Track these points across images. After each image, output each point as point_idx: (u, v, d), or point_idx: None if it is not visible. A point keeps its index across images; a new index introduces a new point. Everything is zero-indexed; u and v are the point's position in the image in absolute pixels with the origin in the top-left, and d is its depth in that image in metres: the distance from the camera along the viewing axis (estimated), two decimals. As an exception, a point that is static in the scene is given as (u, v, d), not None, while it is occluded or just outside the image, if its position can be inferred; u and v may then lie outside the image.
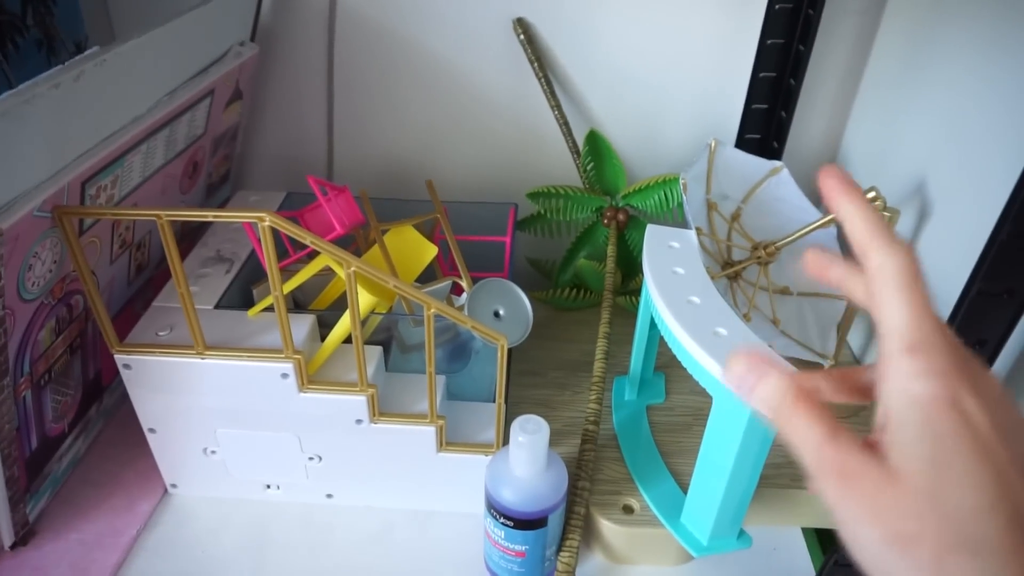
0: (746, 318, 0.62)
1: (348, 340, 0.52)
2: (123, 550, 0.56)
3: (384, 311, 0.57)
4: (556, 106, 0.72)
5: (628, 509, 0.56)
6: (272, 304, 0.48)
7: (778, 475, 0.58)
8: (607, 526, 0.55)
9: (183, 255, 0.61)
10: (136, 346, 0.52)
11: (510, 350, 0.61)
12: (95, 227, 0.52)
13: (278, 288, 0.47)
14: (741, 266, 0.64)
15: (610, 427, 0.63)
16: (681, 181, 0.59)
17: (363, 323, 0.55)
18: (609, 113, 0.76)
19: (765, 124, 0.72)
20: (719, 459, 0.48)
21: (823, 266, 0.30)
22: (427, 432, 0.54)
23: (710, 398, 0.47)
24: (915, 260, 0.26)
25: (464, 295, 0.62)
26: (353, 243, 0.66)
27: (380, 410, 0.54)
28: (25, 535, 0.56)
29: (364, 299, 0.53)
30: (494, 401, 0.59)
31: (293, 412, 0.54)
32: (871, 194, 0.56)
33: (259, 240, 0.45)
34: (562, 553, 0.52)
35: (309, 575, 0.56)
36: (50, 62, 0.66)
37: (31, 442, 0.53)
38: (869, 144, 0.72)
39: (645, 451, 0.60)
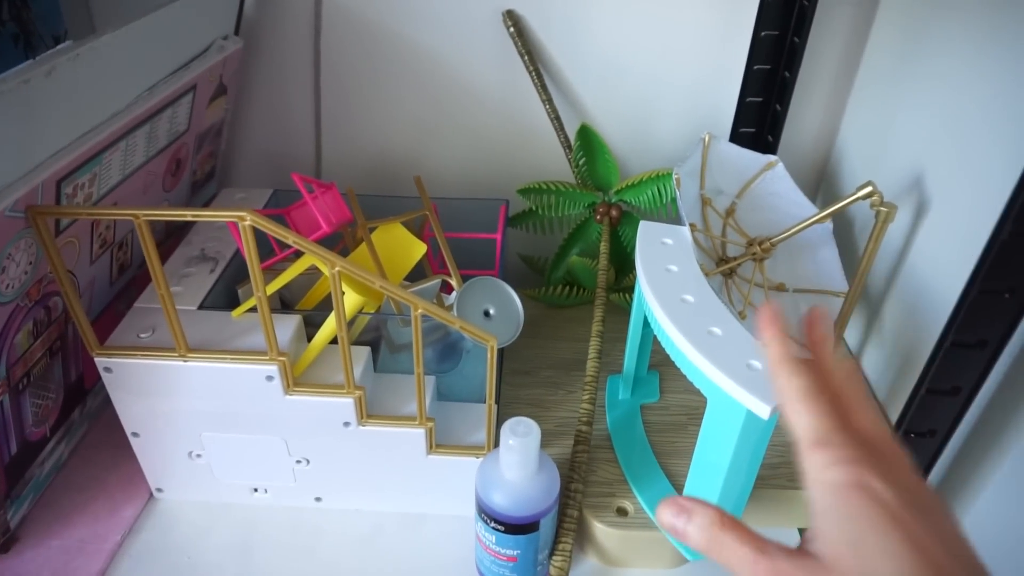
0: (741, 316, 0.61)
1: (336, 341, 0.51)
2: (107, 556, 0.55)
3: (372, 311, 0.56)
4: (547, 100, 0.71)
5: (622, 511, 0.55)
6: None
7: (775, 476, 0.57)
8: (601, 529, 0.54)
9: (167, 253, 0.60)
10: (117, 349, 0.50)
11: (501, 350, 0.60)
12: (73, 227, 0.50)
13: (261, 289, 0.46)
14: (736, 262, 0.63)
15: (604, 427, 0.62)
16: (674, 176, 0.58)
17: (350, 324, 0.54)
18: (601, 107, 0.75)
19: (759, 117, 0.71)
20: (714, 460, 0.47)
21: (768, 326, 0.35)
22: (417, 434, 0.53)
23: (705, 397, 0.46)
24: (815, 379, 0.31)
25: (454, 294, 0.61)
26: (341, 241, 0.64)
27: (368, 412, 0.53)
28: (7, 542, 0.55)
29: (351, 299, 0.52)
30: (485, 402, 0.58)
31: (279, 415, 0.53)
32: (867, 189, 0.55)
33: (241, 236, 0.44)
34: (555, 557, 0.51)
35: (297, 581, 0.55)
36: (27, 56, 0.64)
37: (10, 447, 0.52)
38: (865, 138, 0.71)
39: (639, 452, 0.59)
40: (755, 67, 0.68)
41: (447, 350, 0.59)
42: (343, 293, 0.47)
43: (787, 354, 0.33)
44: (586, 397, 0.58)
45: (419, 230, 0.65)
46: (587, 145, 0.70)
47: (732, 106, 0.71)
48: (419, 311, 0.46)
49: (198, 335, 0.51)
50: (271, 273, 0.56)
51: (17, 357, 0.50)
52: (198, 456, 0.56)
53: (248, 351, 0.50)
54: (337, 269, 0.45)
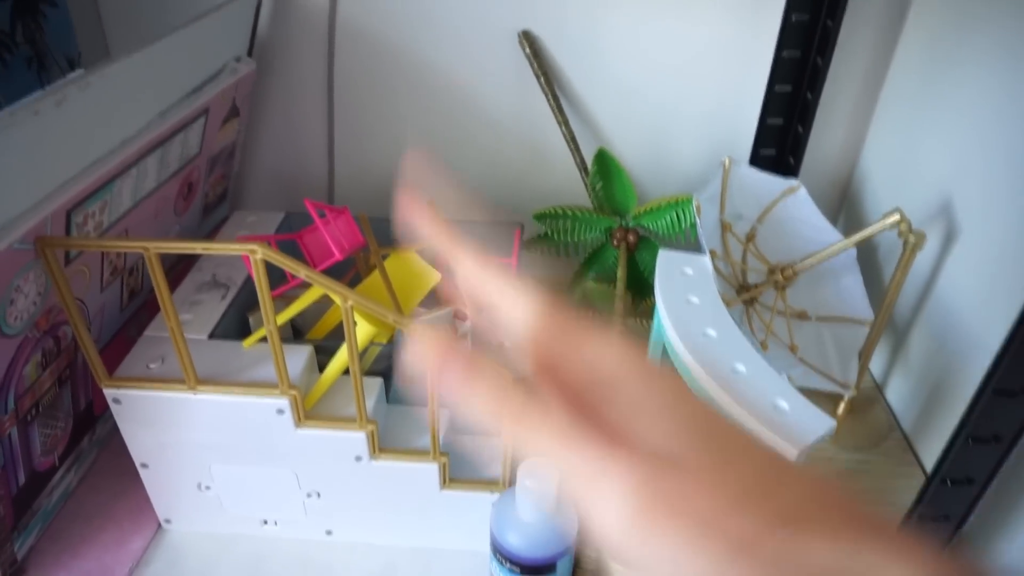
0: (763, 346, 0.59)
1: (348, 371, 0.50)
2: (114, 590, 0.54)
3: (385, 341, 0.55)
4: (563, 122, 0.70)
5: (641, 549, 0.53)
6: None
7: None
8: (620, 571, 0.52)
9: (178, 278, 0.59)
10: (126, 380, 0.49)
11: (516, 379, 0.59)
12: (83, 255, 0.49)
13: (272, 323, 0.45)
14: (757, 291, 0.61)
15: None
16: (695, 203, 0.56)
17: (362, 354, 0.53)
18: (618, 128, 0.73)
19: (780, 139, 0.70)
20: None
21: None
22: (430, 469, 0.52)
23: None
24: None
25: (468, 323, 0.60)
26: (353, 267, 0.63)
27: (380, 446, 0.52)
28: (14, 574, 0.54)
29: (364, 330, 0.51)
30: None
31: (290, 448, 0.51)
32: (895, 217, 0.54)
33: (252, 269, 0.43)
34: (572, 597, 0.50)
35: (307, 617, 0.53)
36: (40, 79, 0.64)
37: (18, 479, 0.51)
38: (889, 160, 0.70)
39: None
40: (776, 88, 0.66)
41: (461, 379, 0.58)
42: (355, 324, 0.46)
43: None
44: (604, 429, 0.57)
45: (432, 256, 0.64)
46: (604, 170, 0.69)
47: (751, 128, 0.70)
48: (434, 345, 0.45)
49: (208, 366, 0.50)
50: (283, 301, 0.55)
51: (25, 388, 0.49)
52: (207, 488, 0.55)
53: (259, 383, 0.49)
54: (350, 304, 0.43)
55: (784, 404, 0.43)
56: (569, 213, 0.69)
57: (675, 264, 0.54)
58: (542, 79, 0.68)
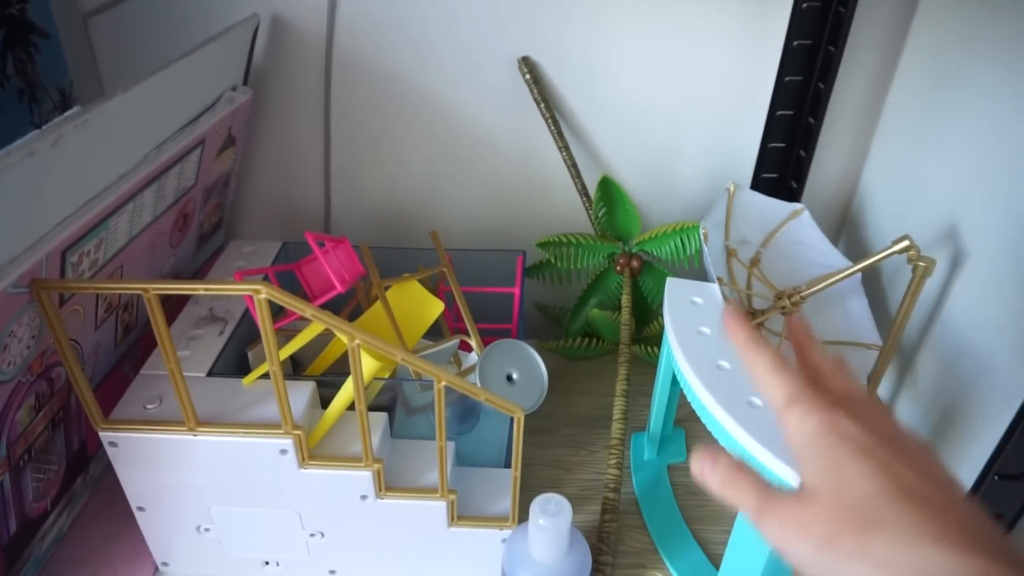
0: (772, 372, 0.58)
1: (350, 406, 0.49)
2: (110, 638, 0.52)
3: (388, 375, 0.54)
4: (564, 147, 0.69)
5: (654, 585, 0.52)
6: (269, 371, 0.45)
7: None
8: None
9: (174, 312, 0.58)
10: (122, 423, 0.48)
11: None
12: (77, 295, 0.48)
13: (276, 363, 0.43)
14: (765, 317, 0.60)
15: (629, 490, 0.59)
16: (701, 231, 0.56)
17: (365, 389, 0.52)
18: (619, 154, 0.73)
19: (782, 163, 0.69)
20: (757, 536, 0.44)
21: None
22: (438, 507, 0.51)
23: None
24: (775, 354, 0.33)
25: (473, 354, 0.59)
26: (354, 297, 0.62)
27: (387, 484, 0.50)
28: (4, 624, 0.52)
29: (368, 364, 0.50)
30: (505, 465, 0.55)
31: (293, 488, 0.50)
32: (904, 243, 0.53)
33: (256, 310, 0.42)
34: (586, 638, 0.49)
35: (312, 663, 0.52)
36: (32, 111, 0.62)
37: (9, 528, 0.49)
38: (891, 183, 0.70)
39: (669, 518, 0.57)
40: (778, 113, 0.66)
41: (466, 412, 0.57)
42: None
43: (754, 336, 0.35)
44: (612, 462, 0.56)
45: (435, 286, 0.63)
46: (608, 196, 0.69)
47: (753, 152, 0.69)
48: (443, 383, 0.44)
49: (208, 405, 0.49)
50: (283, 335, 0.54)
51: (18, 434, 0.47)
52: (206, 530, 0.53)
53: (261, 424, 0.48)
54: (357, 343, 0.42)
55: (802, 439, 0.42)
56: (572, 240, 0.68)
57: (683, 292, 0.53)
58: (542, 105, 0.68)
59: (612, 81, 0.69)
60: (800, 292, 0.60)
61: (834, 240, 0.77)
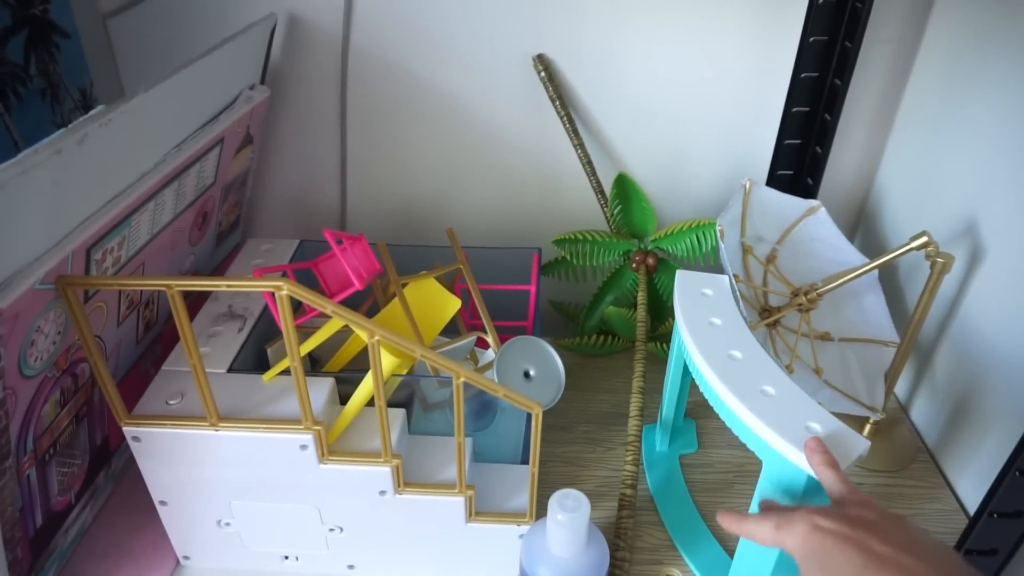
0: (788, 369, 0.58)
1: (369, 403, 0.49)
2: (133, 631, 0.53)
3: (406, 372, 0.54)
4: (579, 145, 0.69)
5: (671, 580, 0.53)
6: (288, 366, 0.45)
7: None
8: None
9: (194, 308, 0.58)
10: (145, 418, 0.49)
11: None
12: (101, 291, 0.49)
13: (297, 359, 0.44)
14: (781, 314, 0.60)
15: (644, 485, 0.60)
16: (718, 228, 0.56)
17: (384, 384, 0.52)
18: (634, 150, 0.73)
19: (798, 160, 0.69)
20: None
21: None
22: (456, 502, 0.51)
23: (750, 452, 0.44)
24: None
25: (489, 351, 0.59)
26: (371, 295, 0.63)
27: (405, 480, 0.51)
28: (29, 616, 0.53)
29: (387, 360, 0.50)
30: (521, 461, 0.56)
31: (312, 483, 0.51)
32: (923, 239, 0.53)
33: (277, 306, 0.42)
34: (603, 633, 0.49)
35: (331, 656, 0.52)
36: (54, 110, 0.63)
37: (35, 520, 0.50)
38: (908, 180, 0.69)
39: (685, 513, 0.57)
40: (794, 109, 0.66)
41: (483, 408, 0.57)
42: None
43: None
44: (629, 458, 0.56)
45: (451, 283, 0.63)
46: (623, 193, 0.69)
47: (768, 149, 0.69)
48: (461, 379, 0.44)
49: (228, 401, 0.49)
50: (302, 331, 0.54)
51: (44, 428, 0.48)
52: (227, 524, 0.54)
53: (281, 419, 0.48)
54: (377, 339, 0.43)
55: (817, 427, 0.42)
56: (588, 237, 0.68)
57: (694, 284, 0.53)
58: (557, 103, 0.68)
59: (627, 78, 0.69)
60: (817, 289, 0.60)
61: (850, 237, 0.77)
